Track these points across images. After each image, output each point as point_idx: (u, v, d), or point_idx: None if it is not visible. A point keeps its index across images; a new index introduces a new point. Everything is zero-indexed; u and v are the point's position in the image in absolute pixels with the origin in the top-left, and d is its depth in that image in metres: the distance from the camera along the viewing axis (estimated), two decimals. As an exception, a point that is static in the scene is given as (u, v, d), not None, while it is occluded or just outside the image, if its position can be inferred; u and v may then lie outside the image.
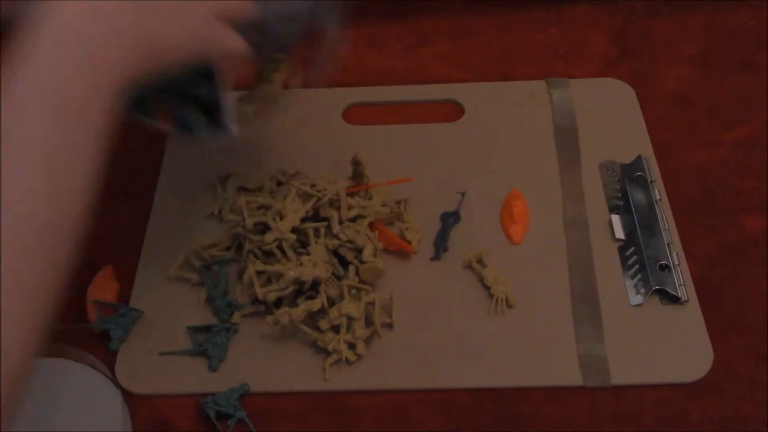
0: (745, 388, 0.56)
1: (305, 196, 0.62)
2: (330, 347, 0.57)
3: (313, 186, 0.63)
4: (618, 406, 0.56)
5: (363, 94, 0.78)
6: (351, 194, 0.65)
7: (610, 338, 0.59)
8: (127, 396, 0.57)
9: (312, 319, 0.59)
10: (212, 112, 0.55)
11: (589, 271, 0.63)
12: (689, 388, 0.56)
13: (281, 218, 0.61)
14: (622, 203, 0.67)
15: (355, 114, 0.77)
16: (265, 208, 0.63)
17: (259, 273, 0.60)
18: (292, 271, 0.58)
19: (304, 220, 0.62)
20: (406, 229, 0.65)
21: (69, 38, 0.42)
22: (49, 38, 0.41)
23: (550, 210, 0.67)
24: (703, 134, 0.73)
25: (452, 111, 0.76)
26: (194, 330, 0.60)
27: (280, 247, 0.61)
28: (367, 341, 0.59)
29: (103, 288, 0.63)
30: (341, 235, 0.62)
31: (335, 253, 0.63)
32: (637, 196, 0.67)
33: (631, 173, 0.69)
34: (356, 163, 0.65)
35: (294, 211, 0.61)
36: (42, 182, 0.39)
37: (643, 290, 0.61)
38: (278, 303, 0.60)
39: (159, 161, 0.73)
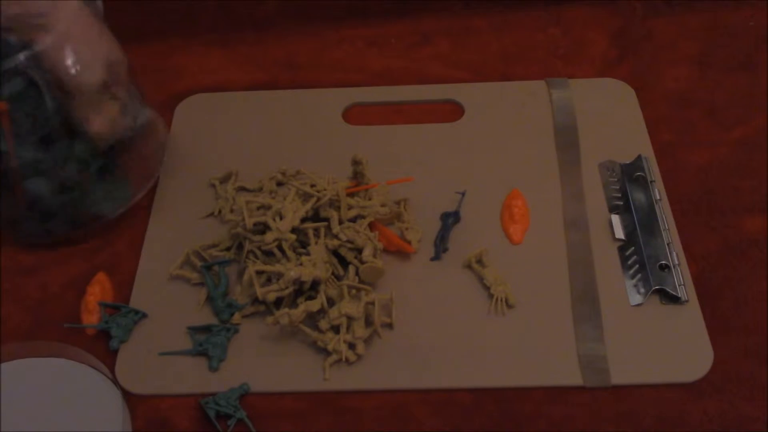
0: (745, 388, 0.56)
1: (305, 196, 0.62)
2: (330, 347, 0.57)
3: (313, 186, 0.63)
4: (618, 406, 0.56)
5: (363, 94, 0.78)
6: (351, 194, 0.65)
7: (610, 338, 0.59)
8: (127, 396, 0.57)
9: (312, 319, 0.59)
10: None
11: (589, 271, 0.63)
12: (689, 388, 0.56)
13: (281, 218, 0.61)
14: (622, 203, 0.67)
15: (355, 114, 0.77)
16: (265, 208, 0.63)
17: (259, 273, 0.60)
18: (292, 271, 0.58)
19: (304, 220, 0.62)
20: (406, 229, 0.65)
21: None
22: None
23: (550, 210, 0.67)
24: (703, 134, 0.73)
25: (452, 111, 0.76)
26: (194, 330, 0.60)
27: (280, 247, 0.61)
28: (367, 341, 0.59)
29: (99, 291, 0.63)
30: (341, 235, 0.62)
31: (335, 253, 0.63)
32: (637, 196, 0.67)
33: (631, 173, 0.69)
34: (356, 163, 0.65)
35: (294, 211, 0.61)
36: None
37: (643, 290, 0.61)
38: (278, 303, 0.60)
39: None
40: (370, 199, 0.66)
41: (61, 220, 0.65)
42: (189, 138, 0.75)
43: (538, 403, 0.56)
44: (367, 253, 0.61)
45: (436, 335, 0.60)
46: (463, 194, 0.68)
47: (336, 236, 0.62)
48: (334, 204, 0.63)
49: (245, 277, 0.61)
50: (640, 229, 0.64)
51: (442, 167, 0.71)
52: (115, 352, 0.60)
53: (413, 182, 0.68)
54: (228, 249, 0.65)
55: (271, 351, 0.59)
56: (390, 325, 0.60)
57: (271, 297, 0.59)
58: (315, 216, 0.63)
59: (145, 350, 0.60)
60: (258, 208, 0.64)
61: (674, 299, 0.60)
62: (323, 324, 0.58)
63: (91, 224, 0.66)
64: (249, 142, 0.74)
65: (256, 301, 0.61)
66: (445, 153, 0.72)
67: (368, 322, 0.59)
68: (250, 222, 0.61)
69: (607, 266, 0.63)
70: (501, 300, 0.61)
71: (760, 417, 0.55)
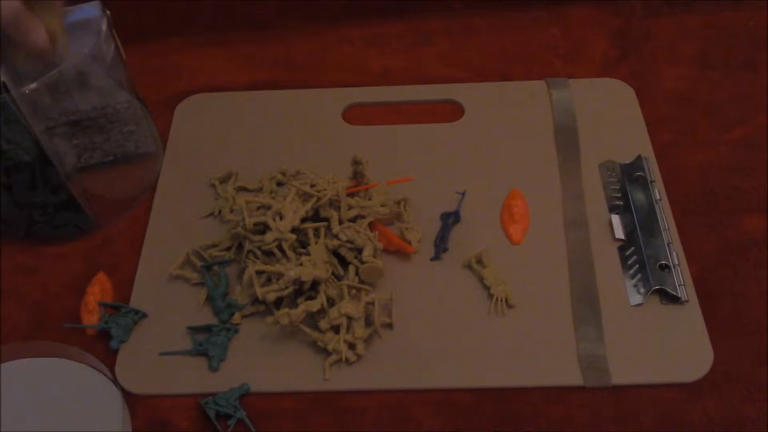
0: (745, 388, 0.56)
1: (305, 196, 0.62)
2: (330, 347, 0.57)
3: (313, 186, 0.63)
4: (618, 406, 0.56)
5: (363, 94, 0.78)
6: (351, 194, 0.65)
7: (610, 338, 0.59)
8: (127, 396, 0.57)
9: (312, 319, 0.59)
10: None
11: (589, 271, 0.63)
12: (689, 388, 0.56)
13: (281, 218, 0.61)
14: (622, 203, 0.67)
15: (355, 114, 0.77)
16: (265, 208, 0.63)
17: (259, 273, 0.60)
18: (292, 271, 0.58)
19: (304, 220, 0.62)
20: (406, 229, 0.65)
21: None
22: None
23: (550, 210, 0.67)
24: (703, 134, 0.73)
25: (452, 111, 0.76)
26: (194, 330, 0.60)
27: (280, 247, 0.61)
28: (367, 341, 0.59)
29: (99, 291, 0.63)
30: (341, 235, 0.62)
31: (335, 253, 0.63)
32: (637, 196, 0.67)
33: (631, 173, 0.69)
34: (356, 163, 0.65)
35: (294, 211, 0.61)
36: None
37: (643, 290, 0.61)
38: (278, 303, 0.60)
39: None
40: (370, 199, 0.66)
41: (18, 231, 0.66)
42: (189, 138, 0.75)
43: (538, 403, 0.56)
44: (367, 253, 0.61)
45: (436, 335, 0.60)
46: (463, 194, 0.68)
47: (336, 236, 0.62)
48: (334, 204, 0.63)
49: (245, 277, 0.61)
50: (640, 229, 0.64)
51: (442, 167, 0.71)
52: (115, 352, 0.60)
53: (413, 182, 0.68)
54: (228, 249, 0.65)
55: (271, 351, 0.59)
56: (390, 325, 0.60)
57: (271, 297, 0.59)
58: (315, 216, 0.63)
59: (145, 350, 0.60)
60: (258, 208, 0.64)
61: (674, 299, 0.60)
62: (323, 324, 0.58)
63: (47, 242, 0.67)
64: (249, 142, 0.74)
65: (256, 301, 0.61)
66: (445, 153, 0.72)
67: (368, 322, 0.59)
68: (250, 222, 0.61)
69: (607, 266, 0.63)
70: (501, 300, 0.61)
71: (760, 417, 0.55)
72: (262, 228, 0.62)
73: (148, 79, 0.79)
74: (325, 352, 0.58)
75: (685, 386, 0.57)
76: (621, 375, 0.57)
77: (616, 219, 0.66)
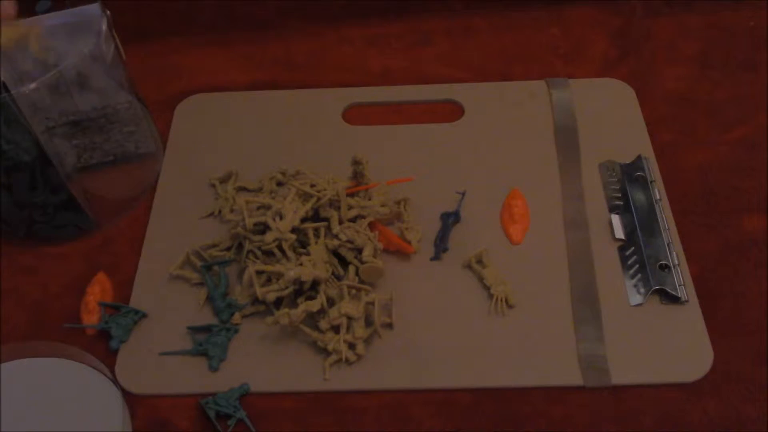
0: (745, 388, 0.56)
1: (305, 196, 0.62)
2: (330, 347, 0.57)
3: (313, 186, 0.63)
4: (618, 406, 0.56)
5: (363, 94, 0.78)
6: (351, 194, 0.65)
7: (610, 338, 0.59)
8: (127, 396, 0.57)
9: (312, 319, 0.59)
10: None
11: (589, 271, 0.63)
12: (689, 388, 0.56)
13: (281, 218, 0.61)
14: (622, 203, 0.67)
15: (355, 114, 0.77)
16: (265, 208, 0.63)
17: (259, 273, 0.60)
18: (291, 271, 0.58)
19: (304, 220, 0.62)
20: (406, 229, 0.65)
21: None
22: None
23: (550, 210, 0.67)
24: (703, 134, 0.73)
25: (452, 111, 0.76)
26: (194, 330, 0.60)
27: (280, 247, 0.61)
28: (367, 341, 0.59)
29: (99, 291, 0.63)
30: (341, 235, 0.62)
31: (335, 253, 0.63)
32: (637, 196, 0.67)
33: (631, 173, 0.69)
34: (356, 163, 0.65)
35: (294, 211, 0.61)
36: None
37: (643, 290, 0.61)
38: (278, 303, 0.60)
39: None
40: (370, 199, 0.66)
41: (18, 231, 0.66)
42: (189, 138, 0.75)
43: (538, 403, 0.56)
44: (367, 253, 0.61)
45: (436, 335, 0.60)
46: (463, 194, 0.68)
47: (336, 236, 0.62)
48: (334, 204, 0.63)
49: (245, 277, 0.61)
50: (640, 229, 0.64)
51: (442, 167, 0.71)
52: (115, 352, 0.60)
53: (413, 182, 0.68)
54: (228, 249, 0.65)
55: (271, 351, 0.59)
56: (390, 325, 0.60)
57: (271, 297, 0.59)
58: (315, 216, 0.63)
59: (145, 350, 0.60)
60: (258, 208, 0.64)
61: (674, 299, 0.60)
62: (323, 324, 0.58)
63: (47, 242, 0.67)
64: (249, 142, 0.74)
65: (256, 301, 0.61)
66: (445, 153, 0.72)
67: (368, 322, 0.59)
68: (250, 222, 0.61)
69: (607, 266, 0.63)
70: (501, 300, 0.61)
71: (760, 417, 0.55)
72: (262, 228, 0.62)
73: (148, 79, 0.79)
74: (325, 352, 0.58)
75: (685, 386, 0.57)
76: (621, 375, 0.57)
77: (616, 219, 0.66)
